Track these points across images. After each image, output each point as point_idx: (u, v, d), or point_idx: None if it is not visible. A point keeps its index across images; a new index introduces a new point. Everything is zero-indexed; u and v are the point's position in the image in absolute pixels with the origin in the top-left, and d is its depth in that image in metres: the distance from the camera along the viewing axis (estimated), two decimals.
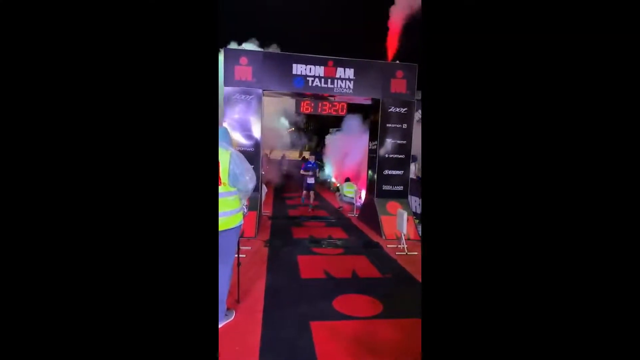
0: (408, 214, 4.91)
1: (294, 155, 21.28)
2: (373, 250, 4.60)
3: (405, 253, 4.46)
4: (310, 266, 3.88)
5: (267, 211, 7.05)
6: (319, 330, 2.46)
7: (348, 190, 7.93)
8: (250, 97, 5.22)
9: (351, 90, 5.43)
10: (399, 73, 5.57)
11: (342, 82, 5.40)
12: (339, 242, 4.93)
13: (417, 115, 6.44)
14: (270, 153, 13.47)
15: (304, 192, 7.83)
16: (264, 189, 6.45)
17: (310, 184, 7.61)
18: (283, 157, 15.81)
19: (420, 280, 3.58)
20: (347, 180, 8.51)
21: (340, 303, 2.94)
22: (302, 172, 7.78)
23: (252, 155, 5.19)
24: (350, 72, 5.40)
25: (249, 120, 5.27)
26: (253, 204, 4.92)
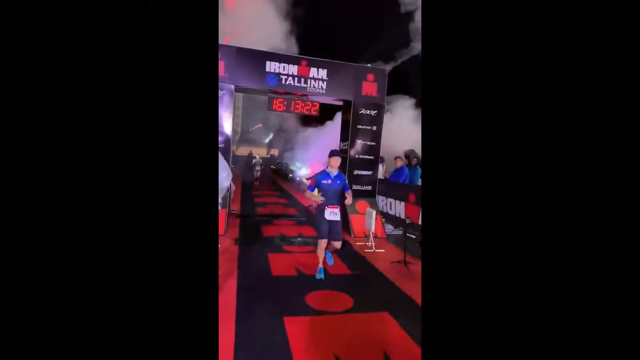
0: (376, 213, 5.10)
1: (261, 152, 20.98)
2: (343, 248, 4.71)
3: (373, 250, 4.62)
4: (281, 264, 3.90)
5: (234, 209, 6.93)
6: (293, 325, 2.50)
7: None
8: (222, 92, 5.12)
9: (324, 91, 5.51)
10: (370, 76, 5.74)
11: (316, 82, 5.47)
12: (309, 240, 4.99)
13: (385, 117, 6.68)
14: (236, 150, 13.15)
15: (321, 242, 3.45)
16: (232, 187, 6.34)
17: (334, 223, 3.44)
18: (250, 154, 15.55)
19: (387, 276, 3.74)
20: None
21: (313, 299, 3.00)
22: (308, 195, 3.60)
23: (222, 151, 5.09)
24: (323, 73, 5.48)
25: (220, 116, 5.16)
26: (222, 201, 4.84)
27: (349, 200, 3.46)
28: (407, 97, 11.42)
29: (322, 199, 3.40)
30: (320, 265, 3.56)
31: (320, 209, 3.50)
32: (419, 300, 3.10)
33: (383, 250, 4.68)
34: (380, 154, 6.12)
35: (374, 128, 5.86)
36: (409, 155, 7.23)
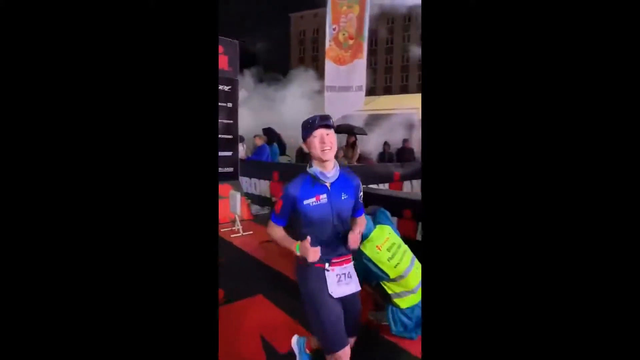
0: (241, 195, 4.89)
1: None
2: None
3: (240, 234, 4.44)
4: None
5: None
6: None
7: None
8: None
9: None
10: (220, 48, 5.27)
11: None
12: None
13: (241, 94, 6.38)
14: None
15: (341, 358, 1.34)
16: None
17: (350, 301, 1.46)
18: None
19: (257, 257, 3.67)
20: None
21: None
22: (278, 237, 1.42)
23: None
24: None
25: None
26: None
27: (354, 241, 1.42)
28: (309, 69, 11.27)
29: (314, 251, 1.32)
30: None
31: (313, 270, 1.41)
32: (290, 275, 3.15)
33: (251, 232, 4.55)
34: (240, 133, 5.85)
35: (229, 105, 5.49)
36: (268, 132, 7.22)
